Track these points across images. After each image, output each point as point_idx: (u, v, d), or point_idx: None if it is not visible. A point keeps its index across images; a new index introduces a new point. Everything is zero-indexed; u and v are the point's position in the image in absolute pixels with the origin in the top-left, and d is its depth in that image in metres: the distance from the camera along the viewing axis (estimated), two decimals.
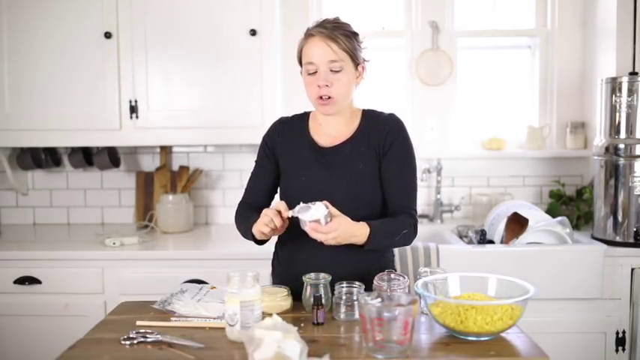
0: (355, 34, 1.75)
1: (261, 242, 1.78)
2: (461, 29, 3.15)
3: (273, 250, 1.94)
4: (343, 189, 1.74)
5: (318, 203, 1.56)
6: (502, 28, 3.19)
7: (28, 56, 2.76)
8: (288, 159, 1.82)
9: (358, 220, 1.63)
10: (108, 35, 2.72)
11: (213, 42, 2.74)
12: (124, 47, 2.74)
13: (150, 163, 3.17)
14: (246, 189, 1.90)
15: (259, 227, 1.65)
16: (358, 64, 1.75)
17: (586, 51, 3.09)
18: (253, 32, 2.71)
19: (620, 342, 2.51)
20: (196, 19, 2.73)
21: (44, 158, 3.06)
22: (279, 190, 1.87)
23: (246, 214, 1.78)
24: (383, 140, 1.76)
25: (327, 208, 1.56)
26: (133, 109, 2.77)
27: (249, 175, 1.91)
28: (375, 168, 1.76)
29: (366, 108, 1.85)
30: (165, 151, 3.10)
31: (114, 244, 2.61)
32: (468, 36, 3.18)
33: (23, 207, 3.19)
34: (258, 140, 2.72)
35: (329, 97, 1.70)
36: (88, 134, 2.79)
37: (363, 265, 1.75)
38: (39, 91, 2.77)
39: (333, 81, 1.70)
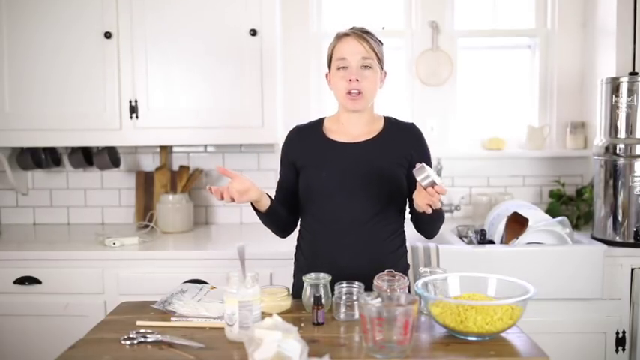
0: (381, 43, 1.87)
1: (266, 215, 1.84)
2: (461, 29, 3.15)
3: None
4: (364, 183, 1.81)
5: (424, 166, 1.61)
6: (502, 28, 3.19)
7: (28, 56, 2.76)
8: (306, 158, 1.88)
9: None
10: (108, 35, 2.72)
11: (214, 42, 2.74)
12: (124, 47, 2.74)
13: (150, 163, 3.17)
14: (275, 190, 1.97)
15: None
16: (382, 69, 1.86)
17: (586, 51, 3.09)
18: (253, 32, 2.71)
19: (620, 342, 2.51)
20: (196, 19, 2.73)
21: (44, 158, 3.06)
22: (299, 186, 1.91)
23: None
24: (412, 147, 1.88)
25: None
26: (133, 109, 2.77)
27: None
28: (399, 169, 1.85)
29: (386, 115, 1.95)
30: (166, 151, 3.10)
31: (114, 244, 2.61)
32: (468, 36, 3.18)
33: (23, 207, 3.19)
34: (259, 140, 2.77)
35: (359, 92, 1.78)
36: (88, 134, 2.79)
37: (382, 255, 1.83)
38: (39, 91, 2.77)
39: (364, 77, 1.79)
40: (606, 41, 2.86)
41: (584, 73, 3.11)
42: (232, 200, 1.67)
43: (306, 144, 1.90)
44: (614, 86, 2.58)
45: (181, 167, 3.06)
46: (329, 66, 1.88)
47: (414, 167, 1.61)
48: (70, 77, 2.76)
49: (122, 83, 2.76)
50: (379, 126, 1.89)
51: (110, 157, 3.01)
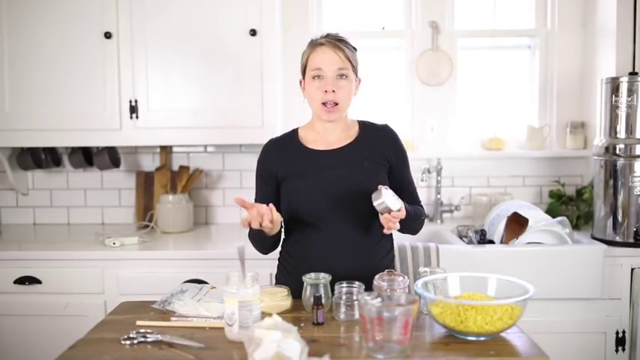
0: (355, 49, 1.86)
1: (272, 236, 1.82)
2: (461, 29, 3.15)
3: (279, 249, 1.98)
4: (350, 186, 1.80)
5: (383, 189, 1.61)
6: (502, 28, 3.19)
7: (28, 56, 2.76)
8: (286, 168, 1.86)
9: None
10: (108, 35, 2.72)
11: (213, 42, 2.73)
12: (124, 47, 2.74)
13: (150, 163, 3.17)
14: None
15: (253, 220, 1.65)
16: (357, 76, 1.86)
17: (586, 51, 3.09)
18: (253, 32, 2.71)
19: (620, 342, 2.51)
20: (196, 19, 2.73)
21: (44, 158, 3.06)
22: (283, 196, 1.89)
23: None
24: (390, 149, 1.88)
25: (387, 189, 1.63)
26: (133, 109, 2.77)
27: (254, 193, 1.94)
28: (380, 169, 1.85)
29: (360, 119, 1.95)
30: (166, 151, 3.10)
31: (114, 244, 2.61)
32: (468, 36, 3.18)
33: (23, 207, 3.19)
34: (258, 140, 2.76)
35: (335, 104, 1.79)
36: (88, 134, 2.79)
37: (373, 257, 1.83)
38: (39, 91, 2.77)
39: (339, 87, 1.79)
40: (606, 41, 2.86)
41: (584, 73, 3.11)
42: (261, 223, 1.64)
43: (285, 154, 1.88)
44: (614, 86, 2.58)
45: (181, 167, 3.06)
46: (303, 73, 1.86)
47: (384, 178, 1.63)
48: (70, 77, 2.76)
49: (122, 83, 2.76)
50: (355, 131, 1.90)
51: (110, 157, 3.01)
